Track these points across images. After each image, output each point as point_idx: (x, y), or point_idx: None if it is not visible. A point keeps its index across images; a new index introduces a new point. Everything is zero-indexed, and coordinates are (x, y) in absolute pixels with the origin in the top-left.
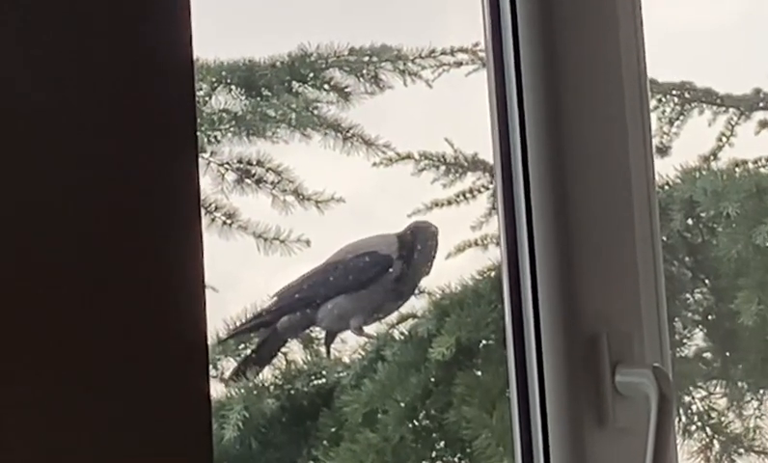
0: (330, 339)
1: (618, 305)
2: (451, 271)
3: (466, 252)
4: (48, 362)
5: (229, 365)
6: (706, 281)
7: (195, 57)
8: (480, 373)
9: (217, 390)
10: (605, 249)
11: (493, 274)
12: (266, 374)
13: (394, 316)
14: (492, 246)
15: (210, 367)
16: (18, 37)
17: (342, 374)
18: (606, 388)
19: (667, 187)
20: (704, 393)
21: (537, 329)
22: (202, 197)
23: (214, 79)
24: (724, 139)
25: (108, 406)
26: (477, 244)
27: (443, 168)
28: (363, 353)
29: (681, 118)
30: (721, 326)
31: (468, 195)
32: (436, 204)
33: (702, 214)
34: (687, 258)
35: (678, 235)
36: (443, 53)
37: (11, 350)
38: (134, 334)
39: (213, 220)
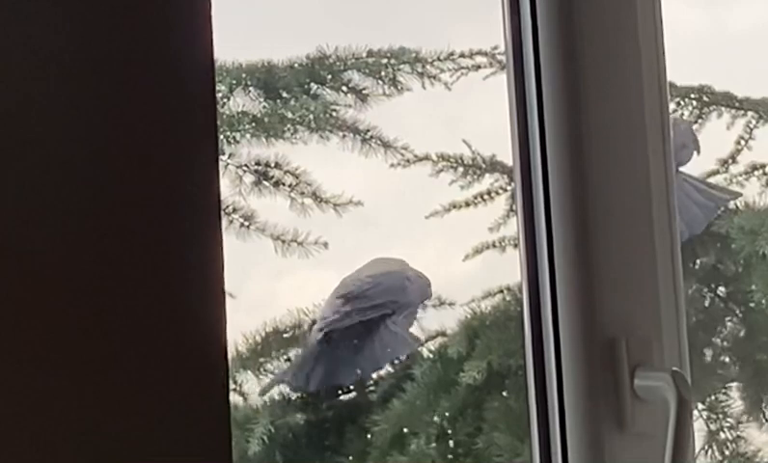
0: None
1: (638, 308)
2: (468, 273)
3: (484, 254)
4: (63, 369)
5: (247, 376)
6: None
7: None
8: (510, 399)
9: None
10: (624, 252)
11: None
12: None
13: (422, 334)
14: (510, 248)
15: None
16: (41, 39)
17: (371, 389)
18: (625, 392)
19: None
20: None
21: (556, 332)
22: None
23: (233, 81)
24: (742, 142)
25: (128, 413)
26: (494, 246)
27: (461, 169)
28: (392, 370)
29: (700, 121)
30: None
31: (486, 196)
32: (454, 206)
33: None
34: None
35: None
36: (461, 56)
37: (25, 357)
38: (153, 339)
39: (231, 222)
